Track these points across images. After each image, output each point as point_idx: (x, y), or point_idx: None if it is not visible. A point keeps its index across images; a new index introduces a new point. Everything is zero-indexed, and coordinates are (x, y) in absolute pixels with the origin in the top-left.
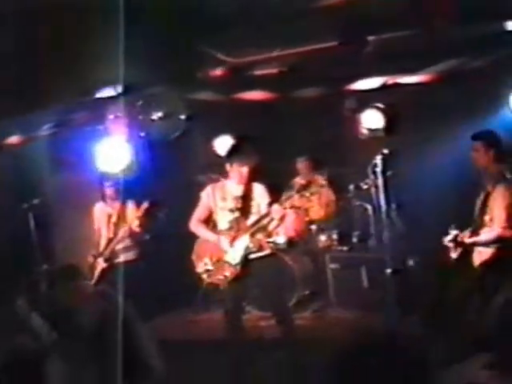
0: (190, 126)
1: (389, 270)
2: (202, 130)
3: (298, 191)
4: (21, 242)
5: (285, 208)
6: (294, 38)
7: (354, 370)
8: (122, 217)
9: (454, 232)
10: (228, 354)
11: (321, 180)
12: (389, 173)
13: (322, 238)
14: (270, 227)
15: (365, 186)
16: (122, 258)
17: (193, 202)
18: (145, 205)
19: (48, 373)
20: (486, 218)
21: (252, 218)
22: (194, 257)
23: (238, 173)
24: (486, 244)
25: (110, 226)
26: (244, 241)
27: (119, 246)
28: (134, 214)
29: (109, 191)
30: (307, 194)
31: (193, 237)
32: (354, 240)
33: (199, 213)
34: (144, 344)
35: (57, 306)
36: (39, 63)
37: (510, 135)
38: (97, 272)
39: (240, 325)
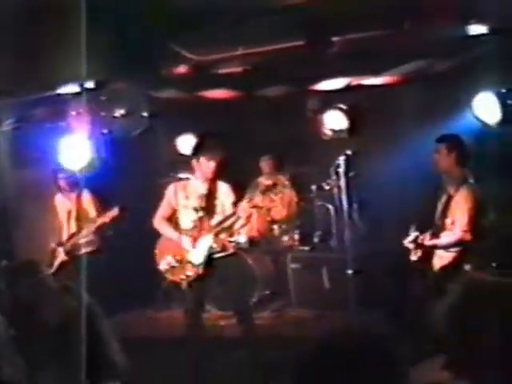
0: (152, 123)
1: (350, 271)
2: (165, 128)
3: (263, 192)
4: None
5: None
6: (259, 37)
7: (314, 369)
8: (81, 210)
9: (414, 233)
10: (188, 352)
11: (284, 180)
12: (351, 173)
13: (284, 237)
14: (236, 226)
15: (327, 187)
16: (83, 251)
17: (154, 199)
18: (115, 211)
19: (5, 370)
20: (448, 221)
21: (216, 218)
22: (156, 253)
23: (203, 169)
24: (446, 247)
25: (70, 221)
26: (207, 241)
27: (82, 240)
28: (91, 206)
29: (63, 183)
30: (272, 195)
31: (155, 234)
32: (316, 240)
33: (163, 210)
34: (108, 340)
35: (16, 302)
36: (0, 59)
37: (472, 139)
38: (56, 262)
39: (200, 323)
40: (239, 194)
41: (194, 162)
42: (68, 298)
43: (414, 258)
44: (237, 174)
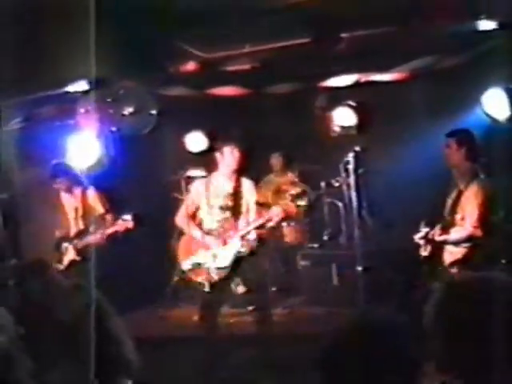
0: (161, 121)
1: (359, 268)
2: (174, 126)
3: (292, 200)
4: None
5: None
6: (267, 34)
7: (329, 365)
8: (87, 207)
9: (424, 229)
10: (202, 351)
11: (293, 177)
12: (360, 170)
13: (293, 234)
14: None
15: (336, 184)
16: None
17: (163, 197)
18: (129, 222)
19: (14, 370)
20: (458, 216)
21: (242, 218)
22: (178, 252)
23: (228, 161)
24: (456, 243)
25: (77, 218)
26: (236, 244)
27: (92, 239)
28: (97, 203)
29: (66, 181)
30: (301, 203)
31: (164, 232)
32: (325, 237)
33: (186, 208)
34: (119, 338)
35: (26, 300)
36: (10, 56)
37: (481, 135)
38: (66, 259)
39: (216, 323)
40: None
41: (217, 155)
42: (78, 295)
43: (424, 253)
44: (247, 170)
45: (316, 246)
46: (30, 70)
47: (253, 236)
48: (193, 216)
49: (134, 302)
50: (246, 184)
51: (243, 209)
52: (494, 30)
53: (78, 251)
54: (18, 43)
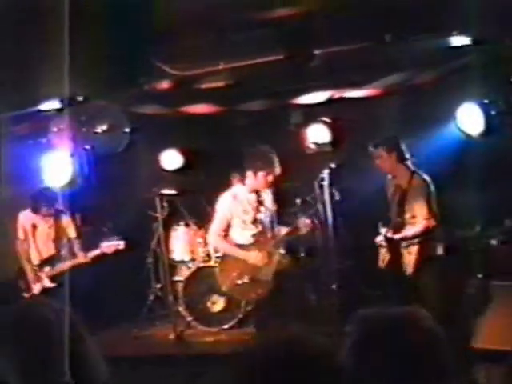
0: (134, 139)
1: (334, 285)
2: (148, 144)
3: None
4: None
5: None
6: (240, 51)
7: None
8: (59, 230)
9: (383, 229)
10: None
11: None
12: (335, 187)
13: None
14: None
15: (311, 201)
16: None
17: (137, 214)
18: (120, 244)
19: None
20: (407, 215)
21: (276, 230)
22: (219, 273)
23: (259, 182)
24: (413, 238)
25: (48, 243)
26: (276, 256)
27: (67, 266)
28: (70, 226)
29: (44, 208)
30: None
31: (141, 250)
32: (302, 254)
33: (219, 225)
34: (94, 358)
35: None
36: None
37: (456, 150)
38: (37, 287)
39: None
40: None
41: (249, 173)
42: (47, 314)
43: (385, 258)
44: (219, 188)
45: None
46: (2, 88)
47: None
48: (225, 233)
49: (109, 322)
50: (269, 196)
51: (266, 219)
52: (467, 45)
53: (51, 278)
54: None
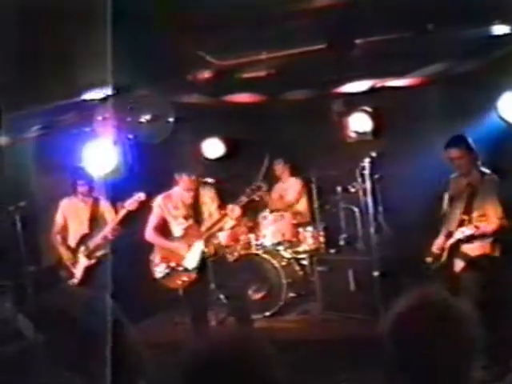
0: (178, 128)
1: (376, 273)
2: (190, 133)
3: (253, 190)
4: (7, 243)
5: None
6: (282, 41)
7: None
8: (97, 214)
9: (441, 238)
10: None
11: (296, 183)
12: (376, 175)
13: (310, 240)
14: (226, 228)
15: (352, 189)
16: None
17: None
18: (140, 196)
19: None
20: (475, 214)
21: (205, 223)
22: (152, 263)
23: (186, 185)
24: (481, 237)
25: (81, 222)
26: (199, 246)
27: (100, 241)
28: (109, 211)
29: (82, 187)
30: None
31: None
32: (342, 243)
33: (153, 222)
34: (136, 349)
35: (44, 307)
36: (27, 65)
37: (497, 139)
38: (79, 270)
39: (207, 329)
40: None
41: (176, 176)
42: (95, 303)
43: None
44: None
45: (333, 251)
46: (47, 78)
47: (269, 242)
48: (162, 228)
49: (148, 309)
50: (207, 193)
51: (205, 215)
52: (508, 34)
53: (90, 256)
54: (35, 52)
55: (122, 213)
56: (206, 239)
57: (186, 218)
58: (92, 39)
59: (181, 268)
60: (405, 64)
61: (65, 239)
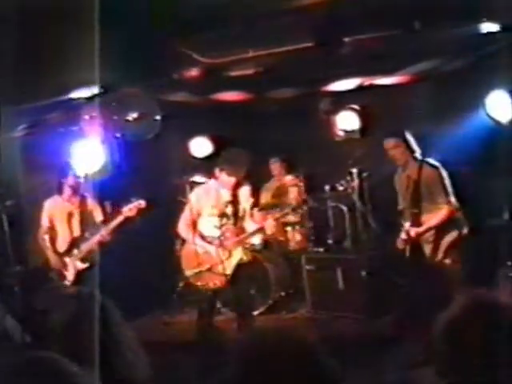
0: (165, 126)
1: (364, 272)
2: (178, 131)
3: (294, 209)
4: None
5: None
6: (270, 39)
7: (326, 370)
8: (85, 213)
9: (406, 228)
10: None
11: (293, 181)
12: (364, 174)
13: (298, 239)
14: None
15: (340, 188)
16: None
17: (167, 202)
18: (141, 203)
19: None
20: (426, 204)
21: (243, 225)
22: (182, 258)
23: (225, 181)
24: (439, 225)
25: (71, 224)
26: (238, 254)
27: (93, 246)
28: (97, 210)
29: (69, 186)
30: (300, 211)
31: (171, 237)
32: (330, 241)
33: (187, 217)
34: (131, 346)
35: (31, 307)
36: (14, 63)
37: (485, 137)
38: (71, 273)
39: (212, 324)
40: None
41: (216, 171)
42: (82, 301)
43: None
44: (249, 176)
45: (321, 250)
46: (34, 76)
47: (257, 241)
48: (193, 224)
49: (139, 308)
50: (244, 191)
51: (240, 214)
52: (496, 32)
53: (82, 259)
54: (21, 49)
55: (119, 219)
56: (241, 243)
57: (220, 216)
58: (79, 38)
59: (215, 270)
60: (393, 62)
61: (52, 241)
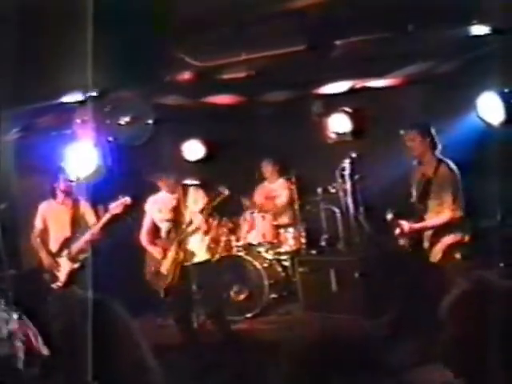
0: (157, 130)
1: (357, 274)
2: (170, 135)
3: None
4: None
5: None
6: (262, 42)
7: (322, 371)
8: (77, 216)
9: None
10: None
11: (286, 184)
12: (356, 176)
13: (291, 241)
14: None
15: (333, 190)
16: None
17: None
18: (126, 200)
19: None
20: (433, 203)
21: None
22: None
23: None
24: (435, 227)
25: (64, 227)
26: (172, 251)
27: (83, 245)
28: (89, 213)
29: (62, 190)
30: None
31: None
32: (323, 243)
33: (146, 226)
34: (140, 344)
35: (25, 310)
36: (6, 66)
37: (476, 139)
38: (63, 274)
39: (190, 329)
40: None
41: (157, 179)
42: (76, 303)
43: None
44: (242, 179)
45: (314, 252)
46: (26, 80)
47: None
48: (155, 232)
49: (133, 311)
50: (192, 195)
51: (187, 218)
52: (487, 35)
53: (72, 259)
54: (14, 54)
55: (106, 217)
56: (177, 244)
57: (169, 221)
58: (72, 42)
59: (160, 272)
60: (384, 64)
61: (45, 243)
